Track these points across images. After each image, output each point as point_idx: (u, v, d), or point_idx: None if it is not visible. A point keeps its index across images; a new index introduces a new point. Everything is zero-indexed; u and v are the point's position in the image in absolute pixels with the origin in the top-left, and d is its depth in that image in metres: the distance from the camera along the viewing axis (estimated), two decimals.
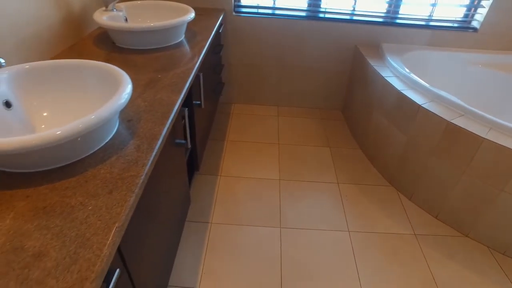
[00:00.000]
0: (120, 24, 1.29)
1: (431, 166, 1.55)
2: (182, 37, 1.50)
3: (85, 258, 0.55)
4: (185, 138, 1.21)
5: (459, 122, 1.39)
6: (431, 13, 2.11)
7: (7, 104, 0.82)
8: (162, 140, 0.85)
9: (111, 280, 0.63)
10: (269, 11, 2.11)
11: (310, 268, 1.35)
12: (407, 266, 1.39)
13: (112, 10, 1.43)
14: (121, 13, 1.46)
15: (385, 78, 1.74)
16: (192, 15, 1.45)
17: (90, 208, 0.64)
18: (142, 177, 0.72)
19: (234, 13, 2.07)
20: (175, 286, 1.26)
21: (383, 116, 1.78)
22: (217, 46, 1.96)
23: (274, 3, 2.13)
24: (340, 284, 1.30)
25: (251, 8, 2.12)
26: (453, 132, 1.40)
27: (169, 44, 1.42)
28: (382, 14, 2.11)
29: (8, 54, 1.03)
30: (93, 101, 0.90)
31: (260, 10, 2.12)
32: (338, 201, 1.67)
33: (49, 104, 0.90)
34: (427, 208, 1.64)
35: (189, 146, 1.19)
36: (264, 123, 2.25)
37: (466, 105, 1.45)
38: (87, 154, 0.76)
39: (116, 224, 0.61)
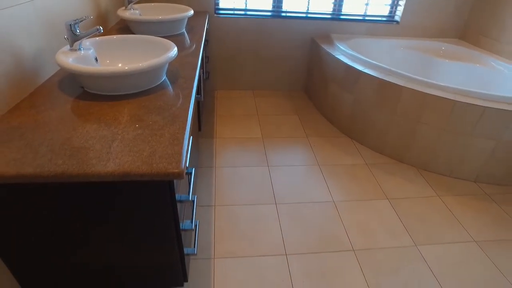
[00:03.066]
0: (139, 16, 1.74)
1: (372, 116, 2.14)
2: (183, 29, 1.98)
3: (178, 121, 1.01)
4: (199, 94, 1.68)
5: (388, 78, 1.99)
6: (365, 11, 2.77)
7: (96, 59, 1.26)
8: (197, 79, 1.33)
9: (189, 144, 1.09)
10: (242, 12, 2.66)
11: (294, 188, 1.85)
12: (363, 182, 1.93)
13: (130, 9, 1.88)
14: (137, 11, 1.92)
15: (336, 56, 2.33)
16: (191, 12, 1.94)
17: (170, 105, 1.10)
18: (193, 94, 1.19)
19: (215, 15, 2.59)
20: (201, 206, 1.70)
21: (336, 84, 2.36)
22: (205, 40, 2.45)
23: (246, 6, 2.68)
24: (317, 196, 1.81)
25: (228, 10, 2.65)
26: (383, 86, 2.00)
27: (175, 33, 1.89)
28: (330, 12, 2.73)
29: None
30: (148, 59, 1.35)
31: (236, 12, 2.65)
32: (308, 148, 2.20)
33: (119, 61, 1.35)
34: (374, 147, 2.22)
35: (203, 99, 1.66)
36: (244, 102, 2.76)
37: (392, 68, 2.06)
38: (155, 84, 1.22)
39: (189, 110, 1.08)
